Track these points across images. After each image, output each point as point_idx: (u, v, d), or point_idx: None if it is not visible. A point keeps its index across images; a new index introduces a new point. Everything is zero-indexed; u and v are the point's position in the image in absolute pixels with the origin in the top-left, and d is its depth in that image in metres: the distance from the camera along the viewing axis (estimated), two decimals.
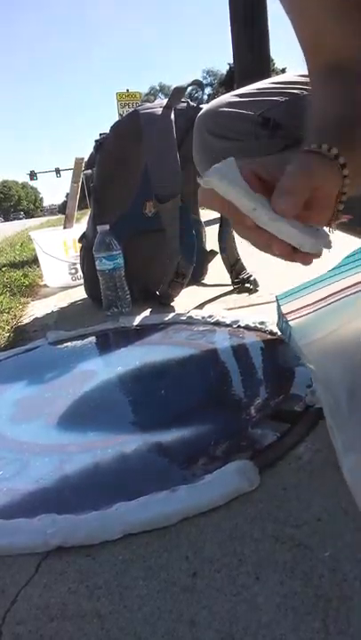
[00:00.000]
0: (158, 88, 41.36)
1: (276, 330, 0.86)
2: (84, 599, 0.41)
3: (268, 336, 0.94)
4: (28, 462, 0.64)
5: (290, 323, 0.41)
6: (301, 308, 0.49)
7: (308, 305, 0.51)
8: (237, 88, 0.85)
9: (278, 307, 0.49)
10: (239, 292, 1.35)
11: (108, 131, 1.41)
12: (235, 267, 1.39)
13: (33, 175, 41.74)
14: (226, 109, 0.80)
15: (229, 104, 0.81)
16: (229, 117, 0.80)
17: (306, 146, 0.42)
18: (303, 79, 0.75)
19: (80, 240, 1.54)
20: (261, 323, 1.00)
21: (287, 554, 0.43)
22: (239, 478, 0.50)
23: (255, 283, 1.35)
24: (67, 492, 0.56)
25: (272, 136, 0.76)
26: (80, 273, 1.62)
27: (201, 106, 1.39)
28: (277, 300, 0.46)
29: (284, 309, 0.40)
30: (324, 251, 0.40)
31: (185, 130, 1.25)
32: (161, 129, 1.27)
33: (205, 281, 1.53)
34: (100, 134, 1.65)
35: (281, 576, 0.41)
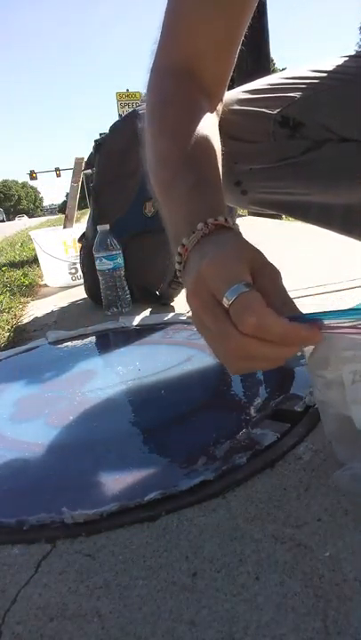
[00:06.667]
0: None
1: None
2: (84, 599, 0.41)
3: None
4: (28, 462, 0.64)
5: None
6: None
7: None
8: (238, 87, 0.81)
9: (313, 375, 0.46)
10: None
11: (107, 131, 1.41)
12: None
13: (33, 175, 41.72)
14: (237, 107, 0.74)
15: (240, 101, 0.74)
16: (242, 116, 0.73)
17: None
18: (316, 74, 0.71)
19: (80, 240, 1.54)
20: None
21: (287, 554, 0.43)
22: None
23: None
24: (67, 492, 0.56)
25: (292, 136, 0.71)
26: (80, 273, 1.62)
27: None
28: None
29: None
30: None
31: None
32: None
33: None
34: (100, 134, 1.65)
35: (281, 576, 0.41)
